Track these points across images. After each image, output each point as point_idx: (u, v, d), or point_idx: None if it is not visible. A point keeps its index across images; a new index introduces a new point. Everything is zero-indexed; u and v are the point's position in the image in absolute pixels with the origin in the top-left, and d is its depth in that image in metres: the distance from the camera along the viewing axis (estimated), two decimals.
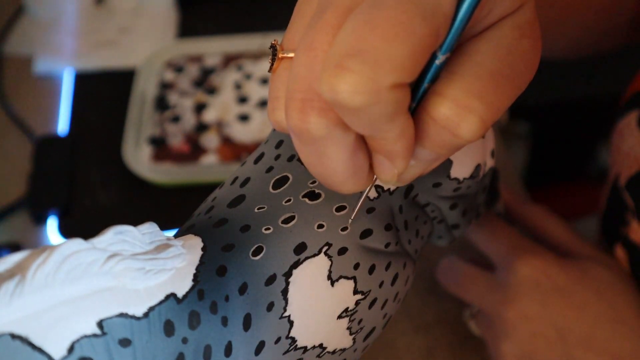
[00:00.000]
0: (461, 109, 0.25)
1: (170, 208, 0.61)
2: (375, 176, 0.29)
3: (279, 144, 0.35)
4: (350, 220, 0.33)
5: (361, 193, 0.33)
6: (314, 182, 0.34)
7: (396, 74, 0.23)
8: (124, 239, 0.28)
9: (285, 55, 0.28)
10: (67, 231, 0.61)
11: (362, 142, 0.27)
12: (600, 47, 0.57)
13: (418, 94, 0.26)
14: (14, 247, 0.59)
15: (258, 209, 0.33)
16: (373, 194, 0.34)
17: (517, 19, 0.27)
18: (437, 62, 0.25)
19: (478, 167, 0.37)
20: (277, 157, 0.35)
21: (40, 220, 0.61)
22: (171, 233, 0.35)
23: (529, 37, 0.27)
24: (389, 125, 0.25)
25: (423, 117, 0.26)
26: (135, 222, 0.30)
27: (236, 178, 0.35)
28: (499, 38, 0.26)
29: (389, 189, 0.35)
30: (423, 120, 0.26)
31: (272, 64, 0.29)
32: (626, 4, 0.52)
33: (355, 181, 0.28)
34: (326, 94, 0.23)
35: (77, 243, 0.26)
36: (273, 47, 0.29)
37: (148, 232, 0.29)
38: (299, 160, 0.34)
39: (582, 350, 0.42)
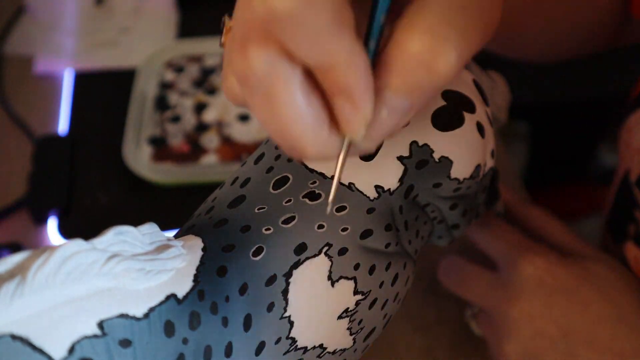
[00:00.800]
0: (437, 39, 0.23)
1: (170, 208, 0.61)
2: (345, 142, 0.26)
3: None
4: (329, 201, 0.28)
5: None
6: (314, 182, 0.34)
7: None
8: (124, 239, 0.28)
9: (231, 25, 0.27)
10: (67, 231, 0.61)
11: (317, 89, 0.25)
12: (585, 49, 0.56)
13: (374, 27, 0.24)
14: (14, 247, 0.59)
15: (258, 209, 0.33)
16: (373, 194, 0.34)
17: None
18: None
19: (478, 167, 0.37)
20: (278, 157, 0.35)
21: (41, 220, 0.61)
22: (172, 233, 0.35)
23: None
24: (333, 45, 0.22)
25: (392, 54, 0.24)
26: (136, 222, 0.30)
27: (236, 178, 0.35)
28: None
29: (389, 189, 0.35)
30: (392, 57, 0.24)
31: (221, 37, 0.28)
32: (610, 5, 0.51)
33: (315, 136, 0.25)
34: (258, 7, 0.22)
35: (78, 244, 0.26)
36: (222, 21, 0.28)
37: (148, 233, 0.29)
38: (300, 160, 0.34)
39: (585, 349, 0.42)
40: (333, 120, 0.25)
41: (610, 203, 0.49)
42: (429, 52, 0.23)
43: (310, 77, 0.24)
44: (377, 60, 0.25)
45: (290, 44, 0.23)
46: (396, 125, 0.26)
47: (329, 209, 0.29)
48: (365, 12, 0.26)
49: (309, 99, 0.24)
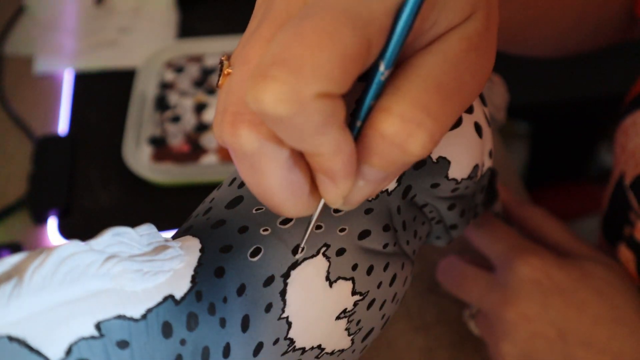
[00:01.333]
0: (408, 124, 0.24)
1: (170, 208, 0.61)
2: (322, 199, 0.28)
3: None
4: (301, 246, 0.32)
5: (311, 217, 0.32)
6: None
7: (320, 83, 0.22)
8: (121, 240, 0.28)
9: (230, 70, 0.28)
10: (67, 231, 0.61)
11: (301, 160, 0.26)
12: (589, 45, 0.56)
13: (362, 110, 0.26)
14: (14, 247, 0.59)
15: (256, 210, 0.33)
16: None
17: (465, 30, 0.26)
18: (382, 77, 0.25)
19: (476, 167, 0.37)
20: None
21: (41, 220, 0.61)
22: (172, 233, 0.35)
23: (477, 48, 0.27)
24: (321, 139, 0.24)
25: (370, 134, 0.25)
26: (136, 222, 0.30)
27: (234, 179, 0.35)
28: (445, 51, 0.26)
29: (386, 190, 0.35)
30: (370, 137, 0.25)
31: (218, 80, 0.28)
32: (616, 2, 0.51)
33: (296, 202, 0.27)
34: (251, 104, 0.23)
35: (75, 245, 0.26)
36: (221, 62, 0.29)
37: (146, 234, 0.29)
38: None
39: (583, 350, 0.42)
40: (312, 182, 0.27)
41: (606, 205, 0.49)
42: (402, 136, 0.24)
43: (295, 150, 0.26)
44: (358, 136, 0.26)
45: (280, 135, 0.24)
46: (372, 193, 0.27)
47: (299, 255, 0.32)
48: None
49: (293, 174, 0.26)
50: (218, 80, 0.28)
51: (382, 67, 0.25)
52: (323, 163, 0.25)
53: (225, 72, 0.28)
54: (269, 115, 0.23)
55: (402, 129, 0.25)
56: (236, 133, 0.25)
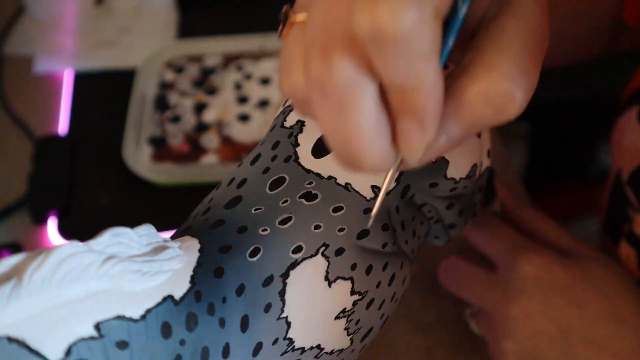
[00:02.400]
0: (513, 85, 0.24)
1: (170, 208, 0.61)
2: (398, 157, 0.26)
3: (275, 145, 0.35)
4: (372, 215, 0.29)
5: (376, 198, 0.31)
6: (310, 183, 0.34)
7: (436, 2, 0.21)
8: (120, 241, 0.28)
9: (298, 19, 0.27)
10: (67, 231, 0.61)
11: (385, 104, 0.25)
12: (580, 55, 0.56)
13: (443, 50, 0.24)
14: (14, 247, 0.59)
15: (255, 210, 0.33)
16: (370, 194, 0.34)
17: None
18: (463, 11, 0.24)
19: (474, 166, 0.37)
20: (274, 157, 0.35)
21: (40, 220, 0.61)
22: (171, 233, 0.35)
23: (546, 14, 0.27)
24: (426, 68, 0.23)
25: (469, 88, 0.24)
26: (135, 223, 0.30)
27: (233, 179, 0.35)
28: (527, 14, 0.26)
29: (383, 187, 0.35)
30: (467, 92, 0.24)
31: (282, 30, 0.27)
32: (605, 10, 0.51)
33: (379, 149, 0.25)
34: (364, 24, 0.21)
35: (74, 246, 0.26)
36: (284, 13, 0.27)
37: (145, 234, 0.29)
38: (296, 161, 0.34)
39: (584, 348, 0.42)
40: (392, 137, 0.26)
41: (606, 204, 0.49)
42: (504, 96, 0.24)
43: (381, 93, 0.25)
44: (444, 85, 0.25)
45: (383, 62, 0.23)
46: (448, 150, 0.26)
47: (370, 222, 0.29)
48: None
49: (380, 114, 0.25)
50: (281, 30, 0.27)
51: (463, 6, 0.24)
52: (417, 100, 0.24)
53: (292, 21, 0.27)
54: (386, 34, 0.21)
55: (507, 89, 0.24)
56: (329, 61, 0.23)
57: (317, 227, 0.33)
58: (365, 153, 0.25)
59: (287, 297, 0.31)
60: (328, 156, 0.34)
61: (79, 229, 0.61)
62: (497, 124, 0.25)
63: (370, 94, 0.24)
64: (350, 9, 0.22)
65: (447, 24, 0.24)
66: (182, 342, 0.29)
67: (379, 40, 0.22)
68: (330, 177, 0.34)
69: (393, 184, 0.35)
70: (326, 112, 0.25)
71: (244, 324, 0.30)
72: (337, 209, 0.33)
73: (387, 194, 0.35)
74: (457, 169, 0.36)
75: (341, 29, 0.23)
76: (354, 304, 0.33)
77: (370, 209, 0.34)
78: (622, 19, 0.50)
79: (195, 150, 0.64)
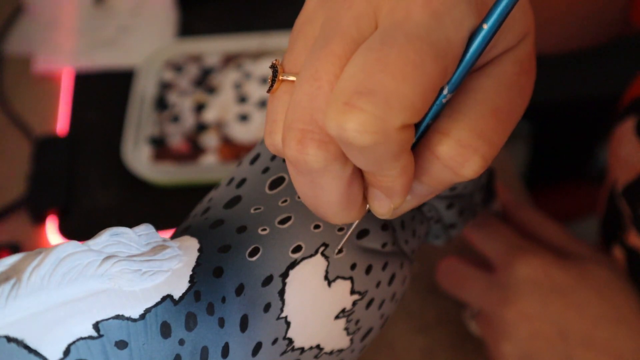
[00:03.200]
0: (465, 149, 0.25)
1: (169, 208, 0.61)
2: (367, 207, 0.28)
3: None
4: (337, 248, 0.33)
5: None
6: None
7: (406, 115, 0.23)
8: (119, 240, 0.28)
9: (286, 78, 0.28)
10: (66, 231, 0.61)
11: (358, 174, 0.27)
12: (593, 40, 0.57)
13: (419, 130, 0.26)
14: (14, 247, 0.59)
15: (254, 209, 0.33)
16: None
17: (518, 53, 0.27)
18: (444, 100, 0.25)
19: None
20: (273, 157, 0.35)
21: (40, 220, 0.61)
22: (171, 232, 0.35)
23: (527, 71, 0.27)
24: (393, 164, 0.24)
25: (425, 154, 0.26)
26: (135, 222, 0.30)
27: (232, 179, 0.35)
28: (500, 74, 0.26)
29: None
30: (425, 157, 0.26)
31: (271, 85, 0.28)
32: (612, 8, 0.52)
33: (348, 213, 0.28)
34: (333, 130, 0.23)
35: (73, 245, 0.26)
36: (274, 66, 0.28)
37: (144, 234, 0.29)
38: None
39: (583, 349, 0.42)
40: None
41: (602, 211, 0.49)
42: (457, 160, 0.25)
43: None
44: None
45: (353, 160, 0.24)
46: (415, 206, 0.28)
47: (341, 245, 0.33)
48: None
49: (351, 189, 0.27)
50: (271, 86, 0.28)
51: (445, 91, 0.25)
52: (386, 183, 0.26)
53: (280, 78, 0.28)
54: (352, 144, 0.23)
55: (459, 154, 0.25)
56: (304, 151, 0.25)
57: (317, 226, 0.33)
58: (334, 217, 0.28)
59: (286, 296, 0.31)
60: None
61: (78, 228, 0.61)
62: (460, 182, 0.27)
63: (341, 177, 0.26)
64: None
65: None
66: (181, 342, 0.29)
67: (347, 146, 0.23)
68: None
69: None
70: (300, 183, 0.27)
71: (244, 324, 0.30)
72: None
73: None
74: None
75: (319, 121, 0.25)
76: (354, 303, 0.33)
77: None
78: (629, 19, 0.50)
79: (194, 150, 0.64)
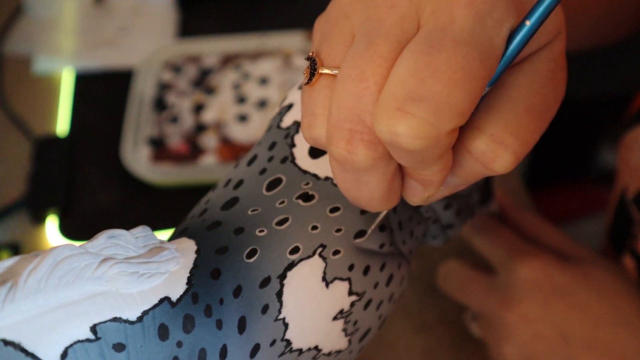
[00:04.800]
0: (497, 145, 0.26)
1: (169, 208, 0.61)
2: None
3: (272, 146, 0.35)
4: (367, 233, 0.33)
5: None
6: (307, 183, 0.34)
7: (456, 120, 0.23)
8: (116, 242, 0.28)
9: (327, 72, 0.28)
10: (66, 231, 0.61)
11: (399, 168, 0.27)
12: (607, 39, 0.56)
13: None
14: (13, 247, 0.59)
15: (252, 211, 0.33)
16: None
17: (552, 50, 0.27)
18: (482, 94, 0.25)
19: None
20: (271, 158, 0.35)
21: (40, 221, 0.61)
22: (169, 233, 0.35)
23: (561, 68, 0.28)
24: (437, 162, 0.25)
25: (459, 147, 0.26)
26: (134, 223, 0.30)
27: (229, 180, 0.35)
28: (534, 71, 0.27)
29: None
30: (458, 150, 0.26)
31: (310, 78, 0.28)
32: (630, 6, 0.51)
33: (387, 203, 0.28)
34: (384, 135, 0.23)
35: (70, 248, 0.26)
36: (311, 59, 0.28)
37: (141, 236, 0.29)
38: (292, 162, 0.34)
39: (585, 352, 0.42)
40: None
41: (610, 218, 0.49)
42: (489, 155, 0.26)
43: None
44: None
45: (400, 160, 0.25)
46: (446, 195, 0.29)
47: (369, 232, 0.33)
48: None
49: (393, 184, 0.27)
50: (310, 79, 0.28)
51: (485, 88, 0.25)
52: (426, 176, 0.26)
53: (320, 72, 0.28)
54: (403, 149, 0.23)
55: (491, 149, 0.26)
56: (353, 151, 0.25)
57: (314, 227, 0.33)
58: (374, 208, 0.29)
59: (284, 298, 0.31)
60: (325, 157, 0.34)
61: (77, 229, 0.61)
62: (491, 176, 0.28)
63: (386, 174, 0.27)
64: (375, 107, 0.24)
65: None
66: (179, 344, 0.29)
67: (396, 149, 0.24)
68: (327, 178, 0.34)
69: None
70: (344, 180, 0.28)
71: (241, 326, 0.30)
72: (334, 210, 0.33)
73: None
74: None
75: (367, 122, 0.25)
76: (352, 304, 0.33)
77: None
78: None
79: (194, 151, 0.64)
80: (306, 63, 0.29)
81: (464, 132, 0.26)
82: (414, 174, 0.27)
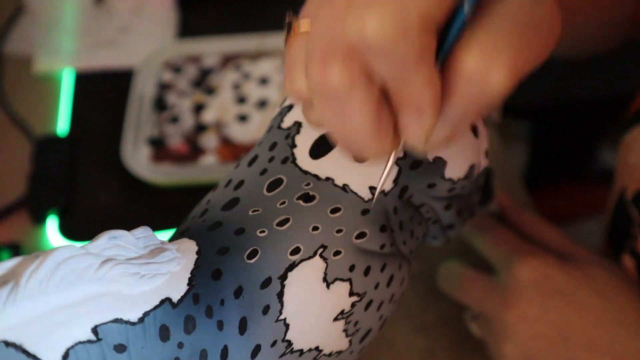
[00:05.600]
0: (488, 58, 0.25)
1: (169, 209, 0.61)
2: (400, 141, 0.28)
3: (272, 146, 0.35)
4: (376, 194, 0.33)
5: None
6: (308, 184, 0.34)
7: (424, 12, 0.23)
8: (118, 243, 0.28)
9: (301, 30, 0.28)
10: (66, 231, 0.61)
11: (387, 101, 0.27)
12: (601, 46, 0.57)
13: (444, 49, 0.26)
14: (14, 247, 0.59)
15: (252, 211, 0.33)
16: (367, 195, 0.34)
17: None
18: (465, 11, 0.25)
19: (472, 167, 0.37)
20: (271, 159, 0.35)
21: (40, 221, 0.61)
22: (170, 233, 0.35)
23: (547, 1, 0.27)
24: (416, 70, 0.24)
25: (451, 71, 0.26)
26: (135, 223, 0.30)
27: (230, 180, 0.35)
28: None
29: (383, 190, 0.34)
30: (451, 74, 0.26)
31: (287, 38, 0.29)
32: (626, 2, 0.51)
33: (380, 141, 0.27)
34: (354, 33, 0.23)
35: (71, 249, 0.26)
36: (288, 23, 0.29)
37: (142, 237, 0.29)
38: (293, 162, 0.34)
39: (585, 351, 0.42)
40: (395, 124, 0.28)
41: (609, 218, 0.49)
42: (481, 72, 0.25)
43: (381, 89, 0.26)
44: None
45: (376, 67, 0.24)
46: (450, 134, 0.28)
47: (376, 196, 0.32)
48: None
49: (380, 113, 0.26)
50: (286, 37, 0.29)
51: (466, 7, 0.25)
52: (413, 95, 0.25)
53: (299, 31, 0.28)
54: (373, 43, 0.23)
55: (483, 64, 0.25)
56: (328, 71, 0.25)
57: (315, 228, 0.33)
58: (366, 147, 0.27)
59: (285, 299, 0.31)
60: (325, 157, 0.34)
61: (78, 229, 0.61)
62: (491, 101, 0.26)
63: (369, 98, 0.26)
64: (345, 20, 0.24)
65: (450, 20, 0.25)
66: (180, 345, 0.29)
67: (368, 48, 0.24)
68: (327, 179, 0.34)
69: (391, 185, 0.35)
70: (328, 114, 0.27)
71: (242, 326, 0.30)
72: (335, 210, 0.33)
73: (385, 195, 0.35)
74: (455, 170, 0.36)
75: (340, 39, 0.25)
76: (353, 305, 0.33)
77: (368, 210, 0.34)
78: (637, 19, 0.50)
79: (194, 151, 0.64)
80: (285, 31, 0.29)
81: (454, 54, 0.26)
82: (402, 98, 0.26)
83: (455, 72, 0.25)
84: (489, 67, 0.25)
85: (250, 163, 0.35)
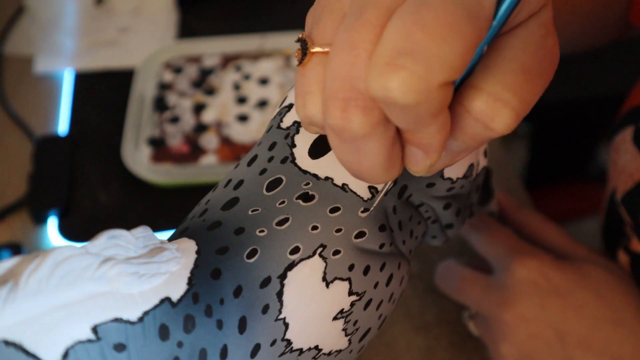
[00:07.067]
0: (496, 103, 0.26)
1: (169, 209, 0.61)
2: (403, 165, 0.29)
3: (272, 146, 0.35)
4: (371, 208, 0.34)
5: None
6: (307, 183, 0.34)
7: (447, 73, 0.23)
8: (117, 243, 0.28)
9: (318, 50, 0.28)
10: (67, 231, 0.61)
11: (398, 135, 0.27)
12: (593, 42, 0.57)
13: (455, 83, 0.27)
14: (14, 247, 0.59)
15: (252, 211, 0.33)
16: (367, 194, 0.34)
17: (542, 17, 0.28)
18: (475, 57, 0.26)
19: (471, 166, 0.37)
20: (271, 159, 0.35)
21: (40, 220, 0.61)
22: (170, 233, 0.35)
23: (552, 34, 0.28)
24: (432, 121, 0.25)
25: (457, 109, 0.26)
26: (135, 223, 0.30)
27: (229, 180, 0.35)
28: (527, 35, 0.27)
29: (382, 191, 0.35)
30: (457, 112, 0.26)
31: (302, 59, 0.29)
32: (613, 10, 0.52)
33: (390, 173, 0.28)
34: (377, 91, 0.24)
35: (70, 248, 0.26)
36: (302, 40, 0.29)
37: (142, 236, 0.29)
38: (292, 162, 0.34)
39: (582, 351, 0.42)
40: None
41: (603, 216, 0.49)
42: (488, 114, 0.26)
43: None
44: None
45: (394, 119, 0.25)
46: (450, 163, 0.29)
47: (375, 203, 0.34)
48: None
49: (393, 151, 0.27)
50: (301, 60, 0.29)
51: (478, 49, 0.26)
52: (423, 139, 0.26)
53: (312, 51, 0.29)
54: (396, 104, 0.24)
55: (490, 107, 0.26)
56: (349, 118, 0.26)
57: (315, 228, 0.33)
58: (376, 179, 0.28)
59: (284, 298, 0.31)
60: (325, 157, 0.34)
61: (78, 229, 0.61)
62: (492, 138, 0.27)
63: (385, 140, 0.26)
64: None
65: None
66: (179, 344, 0.29)
67: (390, 107, 0.24)
68: (327, 178, 0.34)
69: (390, 184, 0.35)
70: (343, 151, 0.28)
71: (242, 326, 0.30)
72: (334, 210, 0.33)
73: (384, 194, 0.35)
74: (454, 169, 0.36)
75: (361, 88, 0.25)
76: (352, 304, 0.33)
77: (368, 210, 0.34)
78: (629, 19, 0.50)
79: (194, 151, 0.64)
80: (297, 45, 0.29)
81: (462, 93, 0.26)
82: (413, 139, 0.27)
83: (463, 112, 0.26)
84: (495, 111, 0.26)
85: (250, 163, 0.35)
